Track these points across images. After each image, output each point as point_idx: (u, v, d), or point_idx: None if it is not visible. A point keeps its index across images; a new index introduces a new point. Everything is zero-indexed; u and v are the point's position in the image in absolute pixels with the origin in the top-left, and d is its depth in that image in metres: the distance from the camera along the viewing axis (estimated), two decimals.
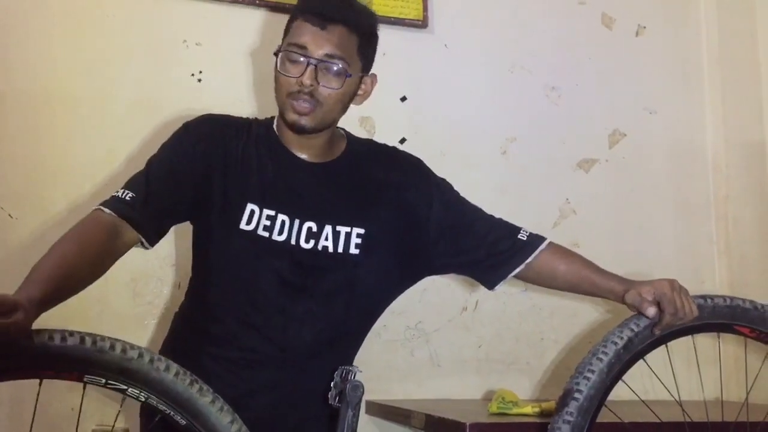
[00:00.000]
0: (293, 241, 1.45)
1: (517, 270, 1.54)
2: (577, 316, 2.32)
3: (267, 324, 1.45)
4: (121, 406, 1.28)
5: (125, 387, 1.11)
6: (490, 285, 1.58)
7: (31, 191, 1.93)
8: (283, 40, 1.49)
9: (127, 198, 1.37)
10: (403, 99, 2.25)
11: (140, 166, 1.90)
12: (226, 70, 2.09)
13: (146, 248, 1.43)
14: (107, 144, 1.99)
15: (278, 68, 1.44)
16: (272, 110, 2.07)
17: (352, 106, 1.53)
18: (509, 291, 2.24)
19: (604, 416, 1.47)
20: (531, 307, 2.30)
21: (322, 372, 1.47)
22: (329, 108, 1.44)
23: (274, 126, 1.54)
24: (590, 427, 1.33)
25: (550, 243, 1.56)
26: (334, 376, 1.38)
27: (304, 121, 1.43)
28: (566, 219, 2.36)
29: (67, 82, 1.98)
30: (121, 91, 2.02)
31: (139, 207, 1.37)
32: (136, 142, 1.99)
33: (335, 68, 1.42)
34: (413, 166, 1.60)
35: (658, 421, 1.57)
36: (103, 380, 1.10)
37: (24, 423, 1.80)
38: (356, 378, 1.34)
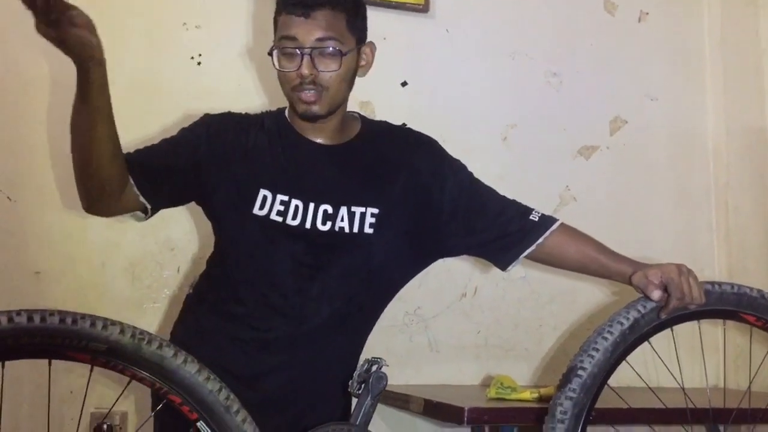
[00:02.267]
0: (308, 225, 1.46)
1: (528, 251, 1.54)
2: (575, 303, 2.32)
3: (285, 304, 1.47)
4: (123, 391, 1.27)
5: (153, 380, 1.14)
6: (503, 266, 1.58)
7: (28, 174, 1.92)
8: (274, 38, 1.50)
9: (131, 152, 1.42)
10: (404, 84, 2.24)
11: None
12: (226, 53, 2.08)
13: (144, 214, 1.43)
14: None
15: (276, 66, 1.46)
16: (272, 92, 2.08)
17: (358, 81, 1.53)
18: (508, 277, 2.23)
19: (610, 401, 1.47)
20: (530, 293, 2.30)
21: (335, 354, 1.50)
22: (335, 90, 1.46)
23: (286, 114, 1.56)
24: (592, 405, 1.33)
25: (562, 224, 1.56)
26: (360, 365, 1.39)
27: (315, 109, 1.45)
28: (566, 206, 2.35)
29: (64, 65, 1.95)
30: (120, 74, 1.96)
31: (136, 155, 1.42)
32: (134, 125, 1.97)
33: (329, 50, 1.43)
34: (426, 146, 1.61)
35: (662, 406, 1.57)
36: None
37: (18, 405, 1.80)
38: (382, 370, 1.35)
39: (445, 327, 2.22)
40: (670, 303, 1.38)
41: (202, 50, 2.06)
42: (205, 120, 1.53)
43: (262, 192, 1.46)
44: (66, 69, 1.94)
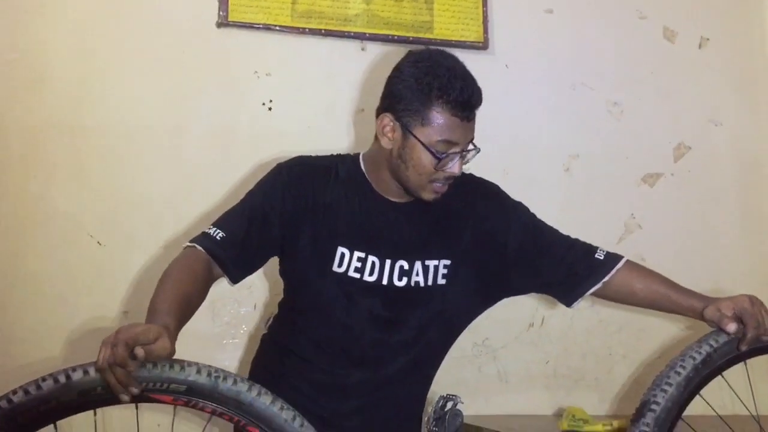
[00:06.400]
0: (385, 281, 1.51)
1: (594, 288, 1.55)
2: (644, 332, 2.32)
3: (363, 355, 1.53)
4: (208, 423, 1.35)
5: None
6: (568, 303, 1.60)
7: (116, 220, 2.04)
8: (418, 120, 1.44)
9: (218, 237, 1.45)
10: None
11: (218, 197, 2.04)
12: (295, 99, 2.17)
13: (230, 284, 1.52)
14: (185, 172, 2.09)
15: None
16: (340, 136, 2.17)
17: None
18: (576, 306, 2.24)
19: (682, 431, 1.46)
20: (598, 322, 2.31)
21: (409, 393, 1.57)
22: None
23: (362, 166, 1.58)
24: None
25: (627, 261, 1.56)
26: (435, 402, 1.44)
27: (440, 197, 1.51)
28: (631, 234, 2.36)
29: (146, 115, 2.09)
30: (197, 122, 2.12)
31: (229, 247, 1.45)
32: (212, 170, 2.09)
33: (475, 151, 1.49)
34: (490, 193, 1.64)
35: None
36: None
37: None
38: (458, 407, 1.40)
39: (513, 357, 2.25)
40: (748, 334, 1.38)
41: (273, 96, 2.16)
42: (282, 174, 1.54)
43: (340, 249, 1.50)
44: (148, 116, 2.09)
